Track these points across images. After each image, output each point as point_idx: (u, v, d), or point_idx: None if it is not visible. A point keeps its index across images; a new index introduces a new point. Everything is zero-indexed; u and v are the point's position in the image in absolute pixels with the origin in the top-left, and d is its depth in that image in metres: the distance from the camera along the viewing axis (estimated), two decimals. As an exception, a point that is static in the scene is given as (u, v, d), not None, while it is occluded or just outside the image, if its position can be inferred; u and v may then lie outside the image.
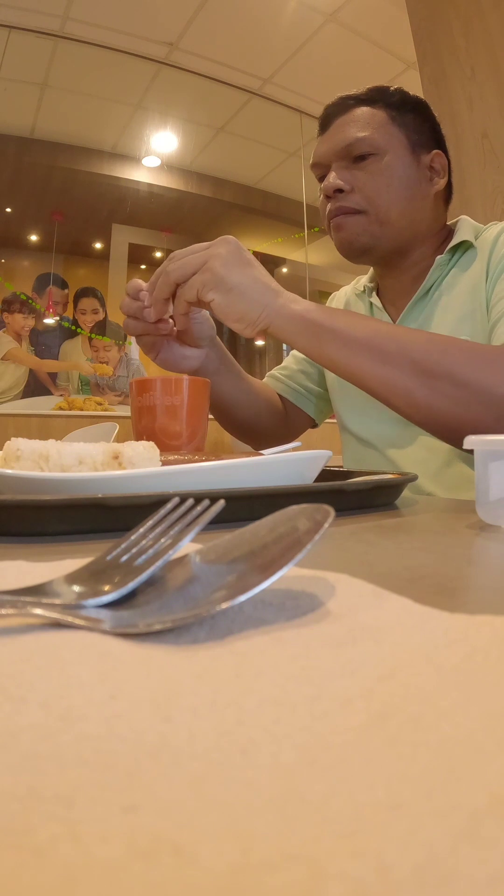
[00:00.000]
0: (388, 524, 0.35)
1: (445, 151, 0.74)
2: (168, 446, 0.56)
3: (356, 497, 0.41)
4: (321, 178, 0.74)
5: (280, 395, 0.88)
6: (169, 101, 3.33)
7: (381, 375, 0.54)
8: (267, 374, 0.91)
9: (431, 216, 0.74)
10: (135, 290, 0.62)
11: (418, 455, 0.73)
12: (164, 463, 0.40)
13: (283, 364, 0.91)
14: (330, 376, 0.86)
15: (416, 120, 0.72)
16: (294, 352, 0.90)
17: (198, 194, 3.88)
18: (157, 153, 3.68)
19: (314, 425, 0.91)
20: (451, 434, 0.55)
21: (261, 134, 3.57)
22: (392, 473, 0.49)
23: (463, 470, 0.69)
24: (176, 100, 3.31)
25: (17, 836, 0.07)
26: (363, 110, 0.70)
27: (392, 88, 0.72)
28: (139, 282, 0.62)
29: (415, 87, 0.76)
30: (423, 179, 0.72)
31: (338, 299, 0.91)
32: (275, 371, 0.91)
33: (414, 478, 0.46)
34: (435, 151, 0.73)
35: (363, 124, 0.69)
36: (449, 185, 0.75)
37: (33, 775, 0.09)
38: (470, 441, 0.33)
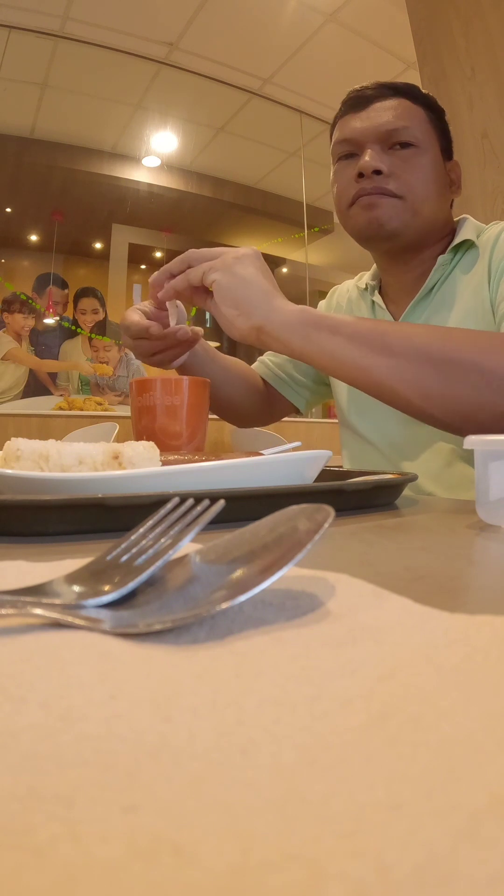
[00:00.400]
0: (388, 524, 0.35)
1: None
2: (168, 446, 0.56)
3: (356, 497, 0.41)
4: (345, 156, 0.73)
5: (264, 380, 0.88)
6: (169, 101, 3.33)
7: (390, 368, 0.52)
8: (258, 358, 0.92)
9: (446, 218, 0.75)
10: (139, 330, 0.63)
11: (419, 455, 0.73)
12: (164, 463, 0.40)
13: None
14: None
15: (444, 128, 0.73)
16: None
17: (198, 194, 3.88)
18: (157, 153, 3.68)
19: (298, 412, 0.92)
20: (465, 422, 0.52)
21: (261, 134, 3.57)
22: (392, 473, 0.49)
23: (463, 470, 0.69)
24: (176, 100, 3.31)
25: (17, 836, 0.07)
26: (405, 102, 0.71)
27: (426, 91, 0.73)
28: (139, 321, 0.63)
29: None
30: (446, 184, 0.73)
31: (339, 294, 0.91)
32: (264, 357, 0.91)
33: (414, 478, 0.46)
34: (454, 161, 0.75)
35: (406, 115, 0.70)
36: None
37: (33, 775, 0.09)
38: (470, 441, 0.33)
